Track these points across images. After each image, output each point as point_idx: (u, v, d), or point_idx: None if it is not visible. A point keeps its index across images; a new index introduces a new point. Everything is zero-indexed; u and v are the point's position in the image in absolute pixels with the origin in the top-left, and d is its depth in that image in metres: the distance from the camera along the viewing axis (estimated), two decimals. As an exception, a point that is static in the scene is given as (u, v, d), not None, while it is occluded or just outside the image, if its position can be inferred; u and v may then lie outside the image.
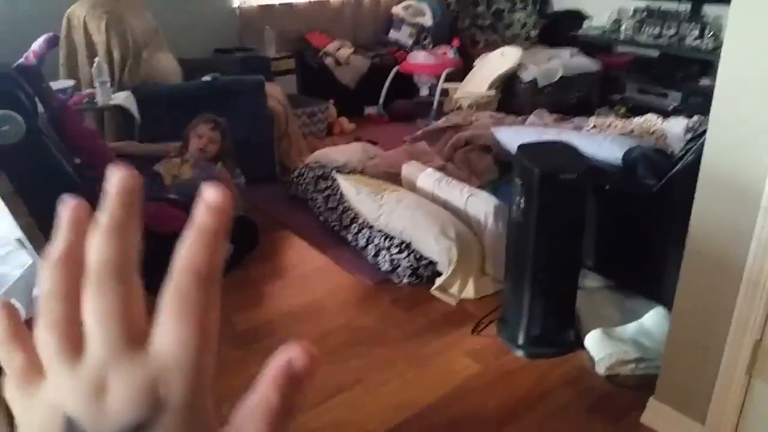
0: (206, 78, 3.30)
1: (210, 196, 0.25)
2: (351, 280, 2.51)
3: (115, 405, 0.23)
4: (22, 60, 2.67)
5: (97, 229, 0.25)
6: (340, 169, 3.03)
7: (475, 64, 4.55)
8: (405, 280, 2.43)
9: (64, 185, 2.23)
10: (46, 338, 0.25)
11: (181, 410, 0.24)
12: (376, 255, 2.53)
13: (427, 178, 2.74)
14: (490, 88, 4.28)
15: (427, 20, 4.97)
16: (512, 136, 2.93)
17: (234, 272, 2.48)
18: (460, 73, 4.54)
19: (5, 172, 2.00)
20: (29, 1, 3.48)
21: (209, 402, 0.25)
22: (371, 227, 2.63)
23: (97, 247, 0.25)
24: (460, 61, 4.67)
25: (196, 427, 0.24)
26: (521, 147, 2.07)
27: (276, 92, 3.57)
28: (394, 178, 2.92)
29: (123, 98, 2.92)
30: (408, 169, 2.86)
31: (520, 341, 2.02)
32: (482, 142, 3.19)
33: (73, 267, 0.25)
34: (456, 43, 4.83)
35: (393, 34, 5.08)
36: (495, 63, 4.40)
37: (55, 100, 2.53)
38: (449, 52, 4.73)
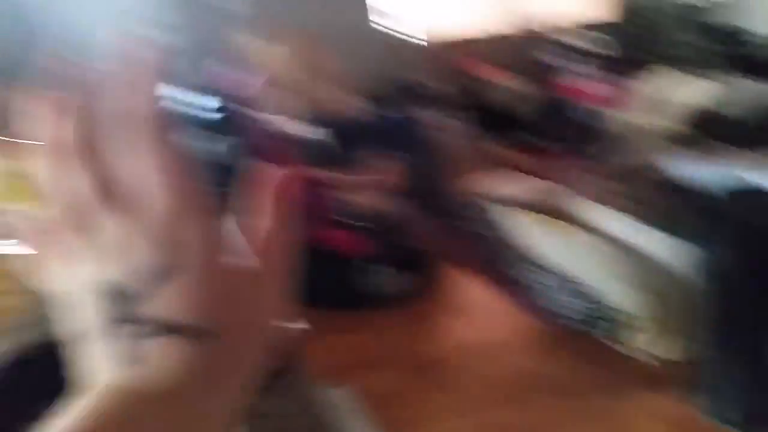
0: (385, 113, 3.42)
1: (274, 179, 0.30)
2: (529, 322, 2.42)
3: (141, 257, 0.25)
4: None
5: (114, 83, 0.26)
6: (517, 203, 2.95)
7: (660, 95, 4.25)
8: (586, 328, 2.28)
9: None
10: (77, 199, 0.26)
11: (199, 245, 0.26)
12: (556, 298, 2.41)
13: (614, 217, 2.57)
14: (676, 121, 3.96)
15: (609, 51, 4.75)
16: (712, 173, 2.66)
17: (411, 304, 2.51)
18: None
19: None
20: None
21: (220, 234, 0.28)
22: (552, 267, 2.51)
23: (119, 100, 0.25)
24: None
25: (216, 262, 0.27)
26: (734, 190, 1.86)
27: (450, 125, 3.60)
28: (568, 215, 2.78)
29: (312, 131, 3.11)
30: (582, 208, 2.71)
31: (733, 416, 1.78)
32: (662, 176, 2.95)
33: (87, 122, 0.26)
34: (638, 75, 4.55)
35: (569, 66, 4.92)
36: (682, 94, 4.07)
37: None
38: (631, 85, 4.47)
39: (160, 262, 0.25)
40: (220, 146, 2.33)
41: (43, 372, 0.59)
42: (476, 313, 2.56)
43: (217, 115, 2.39)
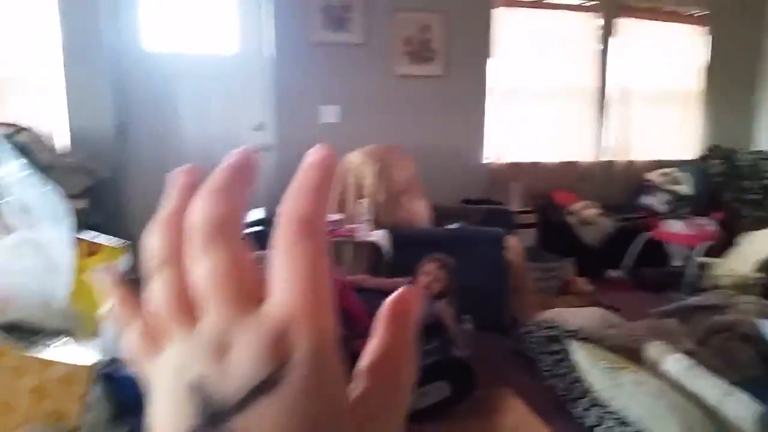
0: (453, 226, 3.52)
1: (314, 153, 0.25)
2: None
3: (239, 365, 0.23)
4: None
5: (202, 190, 0.24)
6: (573, 334, 2.89)
7: (739, 241, 4.12)
8: (637, 477, 2.13)
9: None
10: (161, 303, 0.25)
11: (306, 364, 0.23)
12: (607, 439, 2.29)
13: (675, 363, 2.46)
14: (755, 270, 3.80)
15: (685, 189, 4.72)
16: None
17: (445, 424, 2.44)
18: (719, 248, 4.14)
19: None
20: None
21: (335, 353, 0.24)
22: (604, 407, 2.41)
23: (201, 206, 0.24)
24: (721, 235, 4.27)
25: (324, 380, 0.23)
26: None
27: (515, 244, 3.63)
28: (634, 354, 2.68)
29: (379, 236, 3.24)
30: (653, 350, 2.61)
31: None
32: (744, 331, 2.80)
33: (181, 230, 0.24)
34: (718, 215, 4.46)
35: (645, 200, 4.90)
36: (763, 243, 3.93)
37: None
38: (709, 225, 4.38)
39: (261, 371, 0.22)
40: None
41: None
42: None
43: (258, 229, 2.55)
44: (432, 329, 2.63)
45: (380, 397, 0.26)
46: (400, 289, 0.28)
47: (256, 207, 2.96)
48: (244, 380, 0.22)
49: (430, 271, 2.88)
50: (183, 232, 0.24)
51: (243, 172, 0.25)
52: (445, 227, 3.57)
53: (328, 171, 0.25)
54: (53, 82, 3.77)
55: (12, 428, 0.54)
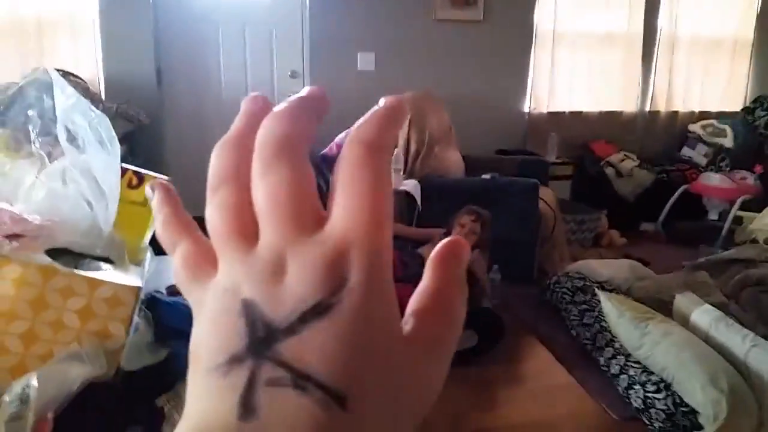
0: (486, 176, 3.51)
1: (388, 98, 0.25)
2: (594, 407, 2.35)
3: (294, 287, 0.22)
4: (325, 150, 3.20)
5: (272, 112, 0.24)
6: (602, 285, 2.90)
7: (780, 195, 4.02)
8: (657, 425, 2.18)
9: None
10: (217, 223, 0.24)
11: (362, 288, 0.22)
12: (629, 388, 2.33)
13: (704, 314, 2.47)
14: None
15: (728, 142, 4.58)
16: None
17: (472, 369, 2.51)
18: (758, 203, 4.04)
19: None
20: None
21: (390, 280, 0.24)
22: (628, 356, 2.44)
23: (267, 126, 0.24)
24: (761, 190, 4.16)
25: (379, 305, 0.23)
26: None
27: (548, 196, 3.62)
28: (663, 306, 2.68)
29: (411, 186, 3.27)
30: (682, 300, 2.61)
31: None
32: (779, 286, 2.77)
33: (244, 150, 0.24)
34: (759, 169, 4.33)
35: (686, 152, 4.78)
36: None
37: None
38: (749, 178, 4.26)
39: (315, 295, 0.22)
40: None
41: (138, 398, 0.67)
42: (540, 387, 2.51)
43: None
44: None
45: (433, 333, 0.26)
46: (451, 237, 0.28)
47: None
48: (297, 303, 0.22)
49: (465, 224, 2.88)
50: (247, 154, 0.24)
51: (314, 101, 0.25)
52: (479, 178, 3.57)
53: (400, 110, 0.25)
54: (89, 25, 3.83)
55: (63, 345, 0.60)
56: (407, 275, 2.60)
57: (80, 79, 3.51)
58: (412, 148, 3.57)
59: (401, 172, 3.30)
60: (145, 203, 0.89)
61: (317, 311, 0.22)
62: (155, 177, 0.85)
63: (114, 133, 0.69)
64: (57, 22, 3.81)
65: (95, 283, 0.64)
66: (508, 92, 4.64)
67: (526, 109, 4.68)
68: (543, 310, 3.08)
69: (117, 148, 0.67)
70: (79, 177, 0.67)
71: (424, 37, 4.37)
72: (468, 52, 4.46)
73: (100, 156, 0.66)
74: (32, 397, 0.53)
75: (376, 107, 0.24)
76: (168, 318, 0.74)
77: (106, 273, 0.68)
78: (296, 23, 4.18)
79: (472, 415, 2.24)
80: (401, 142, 3.60)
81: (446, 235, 2.90)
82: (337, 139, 3.24)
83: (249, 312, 0.22)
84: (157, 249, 0.91)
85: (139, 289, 0.69)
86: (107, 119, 0.68)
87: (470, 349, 2.55)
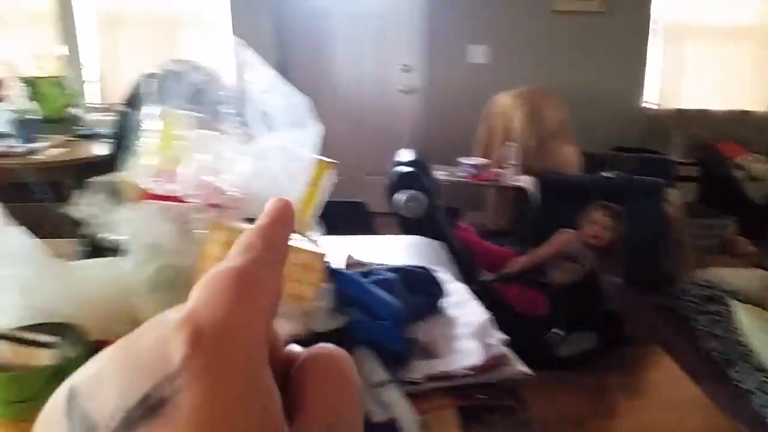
0: (608, 174, 3.36)
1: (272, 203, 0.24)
2: (727, 425, 2.18)
3: (110, 384, 0.19)
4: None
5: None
6: (734, 295, 2.69)
7: None
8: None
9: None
10: None
11: (202, 380, 0.18)
12: (767, 406, 2.15)
13: None
14: None
15: None
16: None
17: (592, 377, 2.42)
18: None
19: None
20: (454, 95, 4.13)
21: (259, 372, 0.19)
22: (766, 372, 2.25)
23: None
24: None
25: (230, 403, 0.18)
26: None
27: (674, 198, 3.40)
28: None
29: (526, 181, 3.18)
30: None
31: None
32: None
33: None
34: None
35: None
36: None
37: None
38: None
39: (141, 386, 0.18)
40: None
41: None
42: (665, 399, 2.37)
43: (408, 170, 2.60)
44: (585, 280, 2.58)
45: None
46: (328, 348, 0.24)
47: (406, 149, 3.02)
48: (117, 403, 0.18)
49: (597, 220, 2.71)
50: None
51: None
52: (599, 175, 3.43)
53: (283, 216, 0.24)
54: (221, 21, 4.04)
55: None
56: (527, 282, 2.54)
57: (211, 72, 3.70)
58: (528, 143, 3.48)
59: (515, 168, 3.22)
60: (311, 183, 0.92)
61: (142, 414, 0.17)
62: (324, 160, 0.87)
63: (309, 114, 0.71)
64: (189, 18, 4.06)
65: (291, 250, 0.66)
66: (626, 87, 4.41)
67: (645, 105, 4.43)
68: (668, 318, 2.90)
69: (313, 129, 0.69)
70: (274, 155, 0.69)
71: (541, 29, 4.24)
72: (586, 45, 4.29)
73: (295, 135, 0.69)
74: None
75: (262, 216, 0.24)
76: (343, 287, 0.75)
77: (294, 241, 0.70)
78: (411, 15, 4.19)
79: (592, 422, 2.15)
80: (517, 136, 3.52)
81: (575, 235, 2.77)
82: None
83: (73, 406, 0.19)
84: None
85: (324, 255, 0.71)
86: (304, 100, 0.70)
87: (589, 350, 2.46)
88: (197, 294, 0.20)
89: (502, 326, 0.86)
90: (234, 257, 0.21)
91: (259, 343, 0.20)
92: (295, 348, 0.25)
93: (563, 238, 2.73)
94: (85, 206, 0.74)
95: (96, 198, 0.75)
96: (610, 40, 4.28)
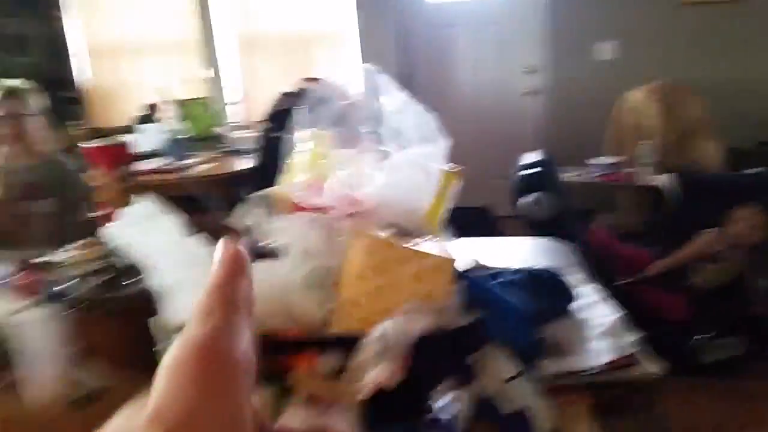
0: (754, 171, 3.11)
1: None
2: None
3: None
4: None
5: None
6: None
7: None
8: None
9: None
10: None
11: None
12: None
13: None
14: None
15: None
16: None
17: (739, 383, 2.27)
18: None
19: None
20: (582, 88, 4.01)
21: None
22: None
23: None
24: None
25: None
26: None
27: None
28: None
29: (663, 180, 3.03)
30: None
31: None
32: None
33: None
34: None
35: None
36: None
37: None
38: None
39: None
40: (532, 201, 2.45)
41: (452, 353, 0.76)
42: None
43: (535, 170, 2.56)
44: (731, 283, 2.43)
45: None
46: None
47: (533, 150, 3.00)
48: None
49: (745, 218, 2.52)
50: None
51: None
52: (746, 172, 3.17)
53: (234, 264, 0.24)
54: (349, 37, 4.26)
55: (400, 303, 0.71)
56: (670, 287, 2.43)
57: (337, 87, 3.92)
58: (666, 139, 3.31)
59: (650, 166, 3.08)
60: (439, 192, 0.98)
61: None
62: (451, 171, 0.94)
63: (437, 130, 0.78)
64: (320, 37, 4.33)
65: (422, 255, 0.74)
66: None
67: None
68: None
69: (441, 143, 0.77)
70: (407, 168, 0.77)
71: (670, 22, 4.01)
72: (720, 36, 3.99)
73: (425, 150, 0.77)
74: (391, 339, 0.65)
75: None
76: (473, 290, 0.81)
77: (425, 246, 0.78)
78: (535, 17, 4.14)
79: (731, 429, 2.02)
80: (651, 133, 3.36)
81: (719, 235, 2.58)
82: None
83: None
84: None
85: (454, 260, 0.78)
86: (432, 117, 0.78)
87: (735, 357, 2.30)
88: (161, 386, 0.20)
89: (641, 330, 0.87)
90: (195, 326, 0.22)
91: (234, 423, 0.20)
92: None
93: (707, 239, 2.57)
94: (246, 217, 0.87)
95: (255, 209, 0.87)
96: (744, 29, 3.95)
